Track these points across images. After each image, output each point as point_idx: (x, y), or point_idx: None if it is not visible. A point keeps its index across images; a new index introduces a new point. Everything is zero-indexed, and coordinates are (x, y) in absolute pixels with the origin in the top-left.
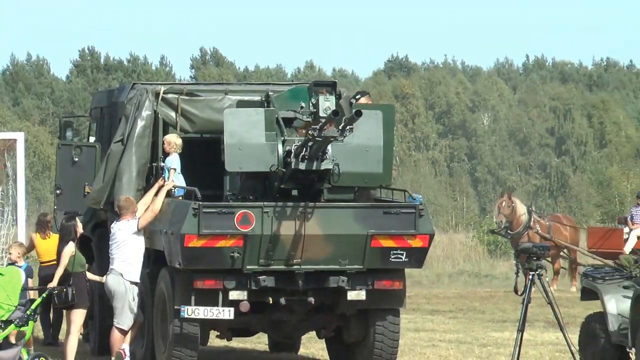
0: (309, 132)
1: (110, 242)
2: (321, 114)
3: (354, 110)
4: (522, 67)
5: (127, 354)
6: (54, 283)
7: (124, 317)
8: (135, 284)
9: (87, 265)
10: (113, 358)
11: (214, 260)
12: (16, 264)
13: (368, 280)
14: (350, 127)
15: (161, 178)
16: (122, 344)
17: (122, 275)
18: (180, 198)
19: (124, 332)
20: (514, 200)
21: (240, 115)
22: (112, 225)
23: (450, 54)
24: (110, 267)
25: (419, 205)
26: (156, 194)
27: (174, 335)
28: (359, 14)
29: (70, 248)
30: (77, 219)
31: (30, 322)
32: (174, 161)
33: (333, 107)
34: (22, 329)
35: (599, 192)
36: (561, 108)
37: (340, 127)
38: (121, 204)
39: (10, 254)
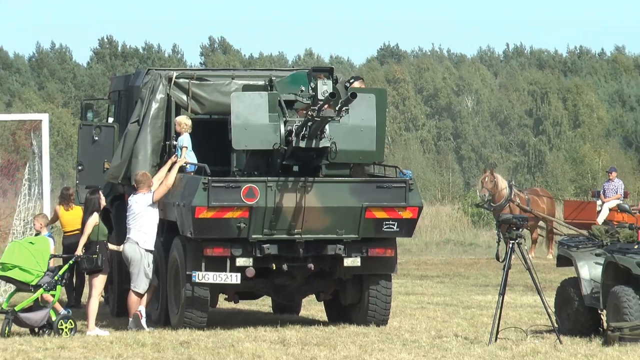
0: (309, 112)
1: (127, 214)
2: (319, 96)
3: (349, 93)
4: (503, 54)
5: (144, 315)
6: (79, 251)
7: (140, 281)
8: (150, 251)
9: (108, 235)
10: (130, 319)
11: (222, 230)
12: (40, 233)
13: (363, 248)
14: (346, 108)
15: (174, 155)
16: (138, 306)
17: (137, 244)
18: (192, 173)
19: (140, 295)
20: (495, 175)
21: (245, 98)
22: (129, 198)
23: (437, 42)
24: (128, 236)
25: (409, 180)
26: (169, 170)
27: (186, 298)
28: (354, 6)
29: (94, 219)
30: (100, 192)
31: (58, 287)
32: (184, 140)
33: (330, 90)
34: (50, 292)
35: (573, 168)
36: (538, 92)
37: (336, 108)
38: (138, 179)
39: (34, 224)
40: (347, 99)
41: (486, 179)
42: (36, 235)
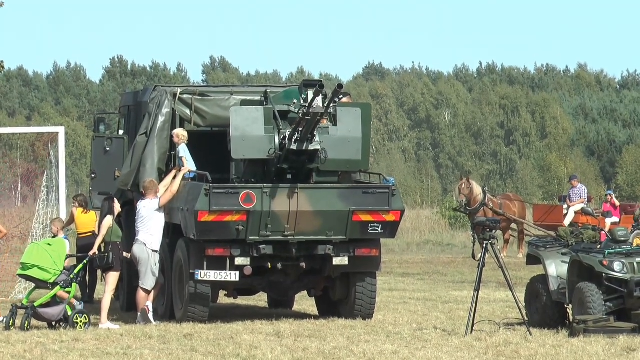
0: (299, 111)
1: (136, 217)
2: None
3: (336, 84)
4: (477, 71)
5: (151, 309)
6: (94, 250)
7: (147, 279)
8: (156, 251)
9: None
10: (139, 314)
11: (222, 232)
12: (57, 236)
13: (350, 249)
14: (334, 103)
15: (177, 165)
16: (146, 301)
17: (145, 245)
18: (189, 180)
19: (147, 292)
20: (471, 182)
21: (243, 112)
22: (137, 203)
23: (417, 60)
24: (136, 237)
25: (392, 186)
26: (174, 177)
27: (189, 294)
28: (342, 28)
29: (108, 221)
30: (115, 199)
31: (73, 284)
32: (181, 150)
33: (320, 100)
34: (66, 290)
35: (541, 175)
36: (509, 105)
37: (325, 104)
38: (145, 186)
39: (51, 227)
40: (335, 90)
41: (463, 186)
42: (53, 237)
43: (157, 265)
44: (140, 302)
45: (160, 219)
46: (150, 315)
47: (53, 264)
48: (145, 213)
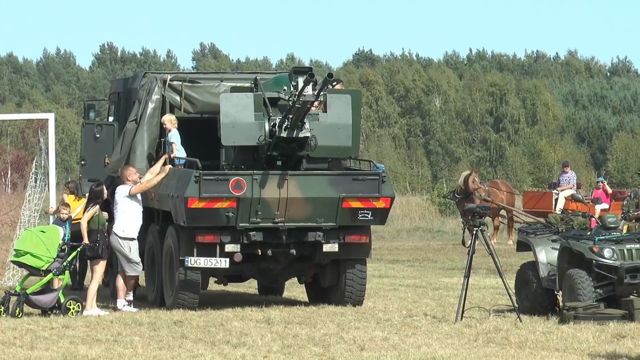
0: (290, 99)
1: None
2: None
3: (327, 73)
4: (467, 58)
5: (131, 298)
6: (85, 239)
7: (127, 267)
8: (128, 239)
9: (107, 224)
10: (123, 299)
11: (212, 219)
12: (67, 220)
13: (340, 235)
14: (324, 92)
15: (168, 151)
16: (132, 287)
17: (115, 233)
18: (181, 167)
19: (131, 277)
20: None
21: (233, 99)
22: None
23: (407, 47)
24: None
25: (382, 173)
26: (162, 163)
27: (180, 281)
28: (332, 15)
29: (94, 209)
30: (104, 186)
31: (67, 272)
32: (172, 136)
33: (310, 88)
34: (59, 277)
35: (531, 161)
36: (498, 92)
37: (315, 92)
38: (121, 172)
39: (61, 213)
40: (325, 79)
41: (476, 179)
42: (56, 222)
43: (133, 251)
44: (119, 288)
45: (132, 206)
46: (125, 307)
47: (46, 251)
48: (118, 198)
